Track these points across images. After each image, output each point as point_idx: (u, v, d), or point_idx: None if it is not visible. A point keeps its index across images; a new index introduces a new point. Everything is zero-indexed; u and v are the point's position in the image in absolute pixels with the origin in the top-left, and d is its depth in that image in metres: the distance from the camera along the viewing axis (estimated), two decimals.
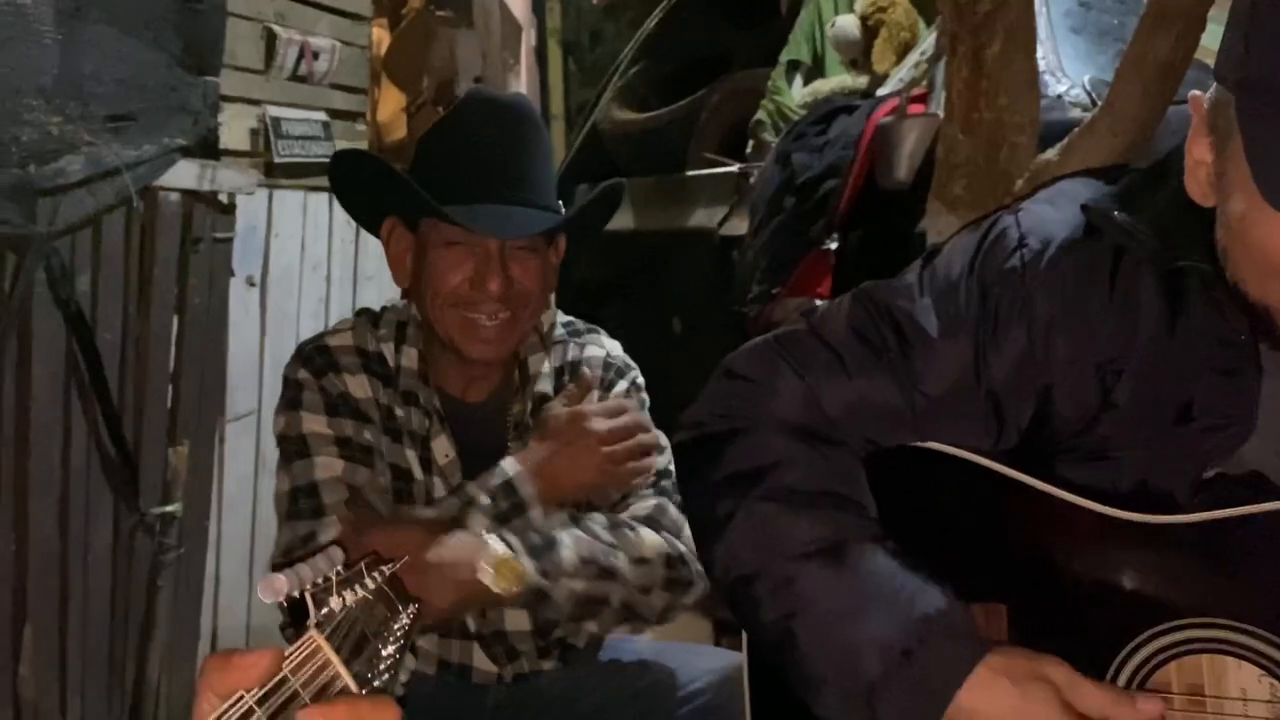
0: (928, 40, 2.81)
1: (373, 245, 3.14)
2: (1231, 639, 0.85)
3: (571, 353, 1.48)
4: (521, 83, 5.82)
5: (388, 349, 1.42)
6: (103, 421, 1.91)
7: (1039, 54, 2.27)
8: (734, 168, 3.92)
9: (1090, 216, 0.94)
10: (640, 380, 1.50)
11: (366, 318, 1.47)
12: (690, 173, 4.17)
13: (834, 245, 2.87)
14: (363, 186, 1.43)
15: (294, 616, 0.62)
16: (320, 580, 0.61)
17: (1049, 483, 0.92)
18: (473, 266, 1.35)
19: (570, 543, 1.31)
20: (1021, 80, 1.62)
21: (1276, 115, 0.78)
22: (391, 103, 4.93)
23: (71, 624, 1.92)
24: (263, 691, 0.54)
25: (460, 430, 1.42)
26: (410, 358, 1.42)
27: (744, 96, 4.34)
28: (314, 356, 1.41)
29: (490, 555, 1.25)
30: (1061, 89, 2.36)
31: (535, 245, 1.38)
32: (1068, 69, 2.42)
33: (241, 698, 0.53)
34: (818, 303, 3.03)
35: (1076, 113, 2.27)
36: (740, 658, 1.11)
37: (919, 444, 0.99)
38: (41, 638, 1.85)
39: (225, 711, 0.53)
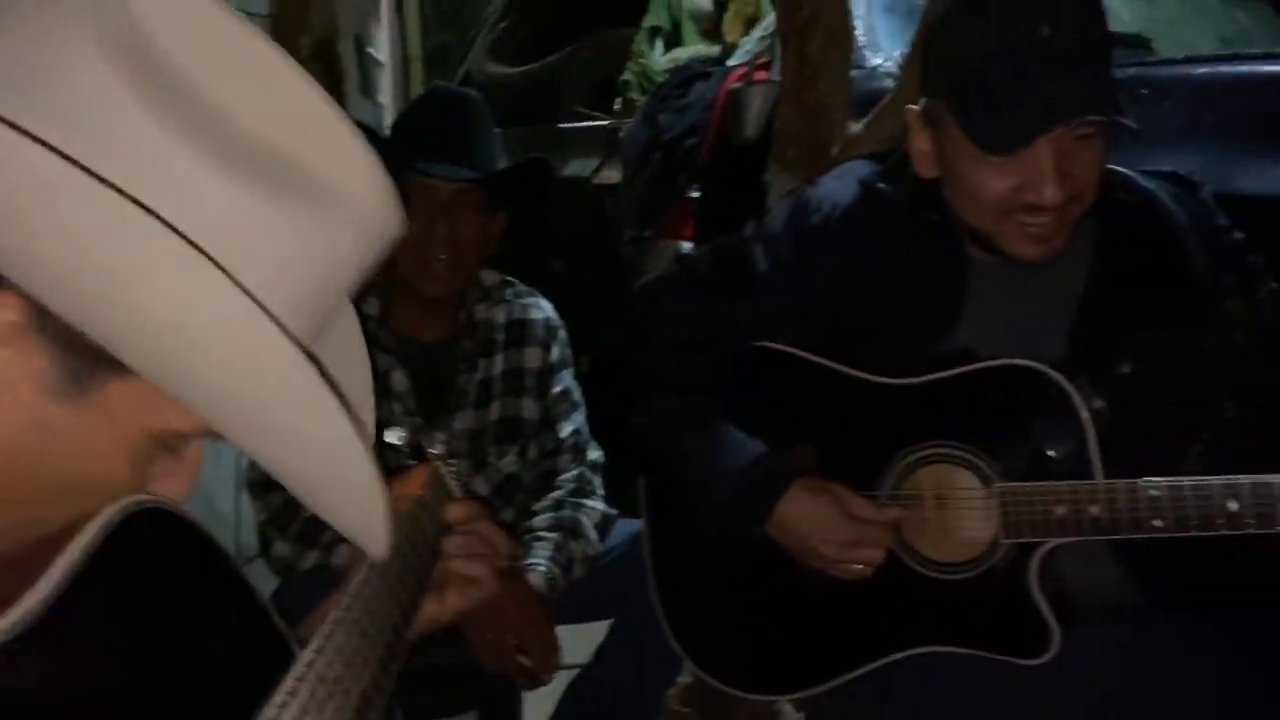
0: (770, 16, 3.23)
1: None
2: (953, 453, 1.34)
3: (517, 311, 1.87)
4: (383, 27, 5.98)
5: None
6: None
7: (858, 30, 2.73)
8: (605, 122, 4.25)
9: (863, 188, 1.40)
10: (564, 335, 1.91)
11: None
12: (561, 125, 4.42)
13: (696, 194, 3.22)
14: None
15: (416, 457, 1.05)
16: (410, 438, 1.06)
17: (839, 362, 1.38)
18: (426, 216, 1.73)
19: (579, 557, 1.75)
20: (837, 69, 2.07)
21: (974, 99, 1.23)
22: None
23: None
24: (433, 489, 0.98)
25: (415, 365, 1.79)
26: (372, 306, 1.79)
27: (609, 54, 4.62)
28: None
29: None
30: (877, 61, 2.80)
31: (477, 204, 1.76)
32: (882, 44, 2.86)
33: (420, 496, 0.96)
34: (686, 245, 3.48)
35: (889, 83, 2.72)
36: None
37: (759, 344, 1.45)
38: None
39: (416, 502, 0.96)
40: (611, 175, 3.99)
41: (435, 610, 0.97)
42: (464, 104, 1.84)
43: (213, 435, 0.68)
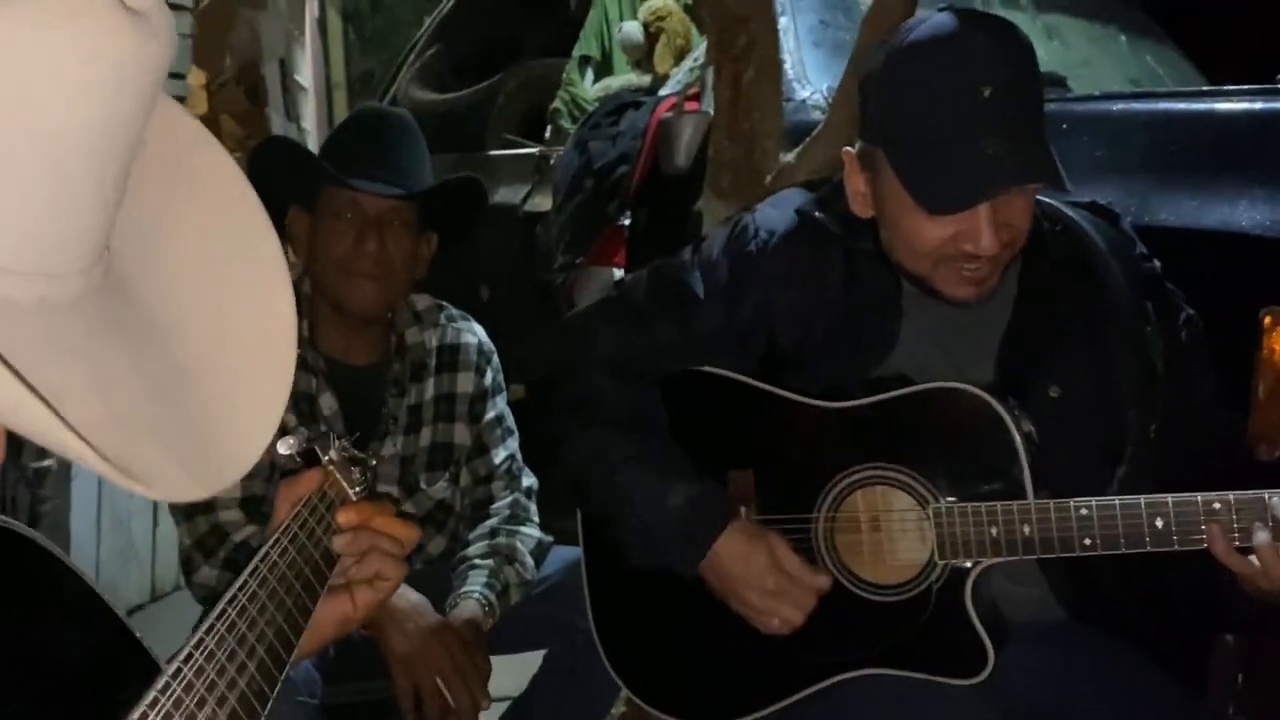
0: (700, 48, 3.27)
1: None
2: (889, 475, 1.35)
3: (450, 336, 1.85)
4: (306, 53, 5.93)
5: None
6: None
7: (787, 64, 2.79)
8: (534, 150, 4.25)
9: (800, 216, 1.42)
10: (496, 360, 1.90)
11: None
12: (491, 152, 4.40)
13: (627, 221, 3.25)
14: (276, 171, 1.73)
15: (306, 460, 1.03)
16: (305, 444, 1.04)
17: (776, 386, 1.40)
18: (355, 233, 1.71)
19: (515, 583, 1.74)
20: (769, 100, 2.11)
21: (911, 158, 1.27)
22: (193, 80, 5.02)
23: None
24: (321, 494, 0.96)
25: (344, 387, 1.76)
26: (301, 327, 1.76)
27: (538, 82, 4.62)
28: None
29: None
30: (805, 94, 2.86)
31: (407, 222, 1.74)
32: (810, 77, 2.93)
33: (309, 499, 0.95)
34: (617, 273, 3.49)
35: (816, 114, 2.77)
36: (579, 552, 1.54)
37: (695, 369, 1.46)
38: None
39: (303, 505, 0.94)
40: (541, 203, 3.98)
41: (346, 610, 0.98)
42: (395, 122, 1.83)
43: None
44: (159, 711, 0.64)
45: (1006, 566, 1.33)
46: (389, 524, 1.01)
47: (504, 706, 1.84)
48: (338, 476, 1.02)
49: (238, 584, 0.80)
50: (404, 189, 1.73)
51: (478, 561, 1.75)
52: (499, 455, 1.86)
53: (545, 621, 1.76)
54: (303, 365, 1.74)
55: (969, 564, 1.30)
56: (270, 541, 0.88)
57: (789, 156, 2.03)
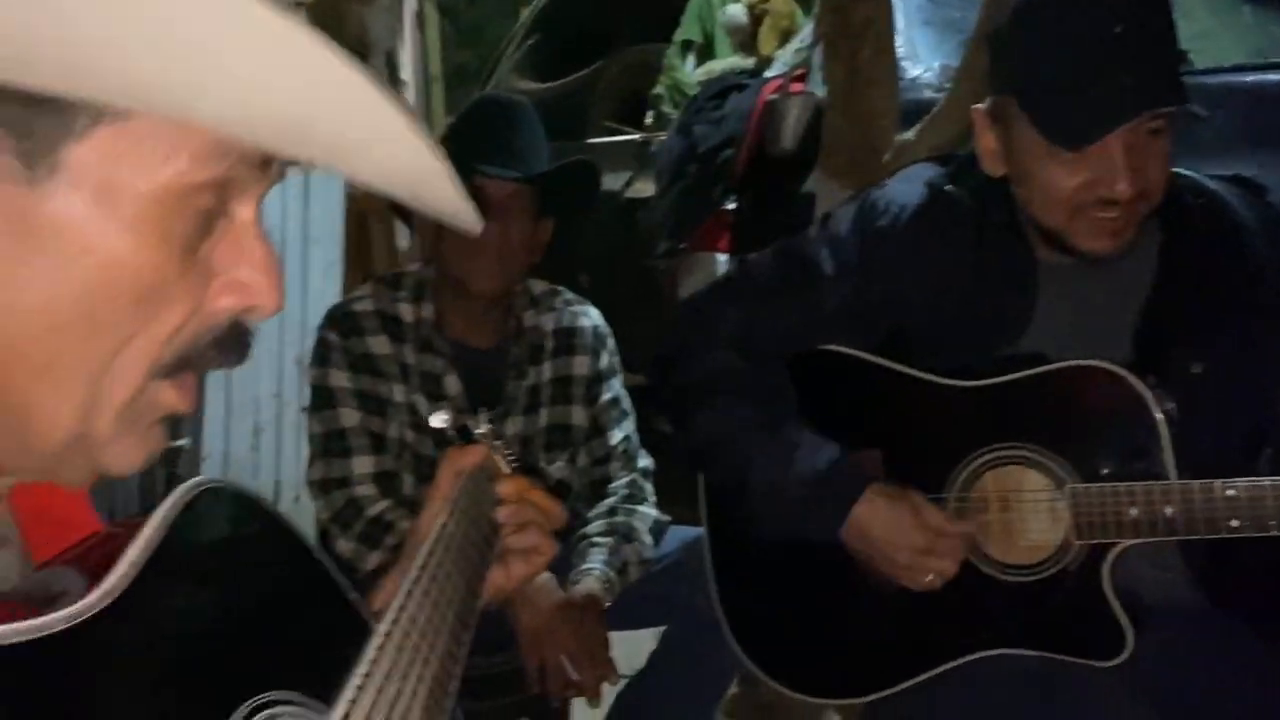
0: (806, 29, 3.25)
1: (317, 211, 3.44)
2: (1023, 454, 1.33)
3: (566, 319, 1.88)
4: (406, 47, 6.04)
5: (405, 308, 1.78)
6: None
7: (898, 42, 2.76)
8: (635, 136, 4.27)
9: (930, 190, 1.41)
10: (612, 343, 1.92)
11: (384, 283, 1.83)
12: (591, 140, 4.43)
13: (732, 205, 3.25)
14: None
15: (459, 435, 1.06)
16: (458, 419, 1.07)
17: (904, 365, 1.38)
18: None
19: (634, 561, 1.76)
20: (886, 77, 2.09)
21: (1042, 97, 1.25)
22: None
23: None
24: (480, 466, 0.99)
25: (467, 369, 1.80)
26: (429, 311, 1.80)
27: (639, 69, 4.66)
28: (341, 320, 1.78)
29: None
30: (917, 72, 2.83)
31: (526, 207, 1.76)
32: (921, 55, 2.89)
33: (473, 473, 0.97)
34: (720, 258, 3.48)
35: (928, 93, 2.74)
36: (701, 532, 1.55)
37: (821, 347, 1.46)
38: None
39: (469, 477, 0.97)
40: (642, 189, 4.01)
41: (501, 579, 1.00)
42: (515, 110, 1.85)
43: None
44: (381, 671, 0.66)
45: (1144, 548, 1.30)
46: (544, 499, 1.03)
47: (620, 684, 1.85)
48: (492, 451, 1.04)
49: (424, 552, 0.82)
50: (524, 173, 1.75)
51: (597, 539, 1.78)
52: (615, 436, 1.88)
53: (663, 599, 1.77)
54: (430, 348, 1.79)
55: (1107, 544, 1.27)
56: (446, 513, 0.90)
57: (908, 134, 2.01)
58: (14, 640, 0.51)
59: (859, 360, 1.42)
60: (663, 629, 1.83)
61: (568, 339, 1.88)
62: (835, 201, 2.08)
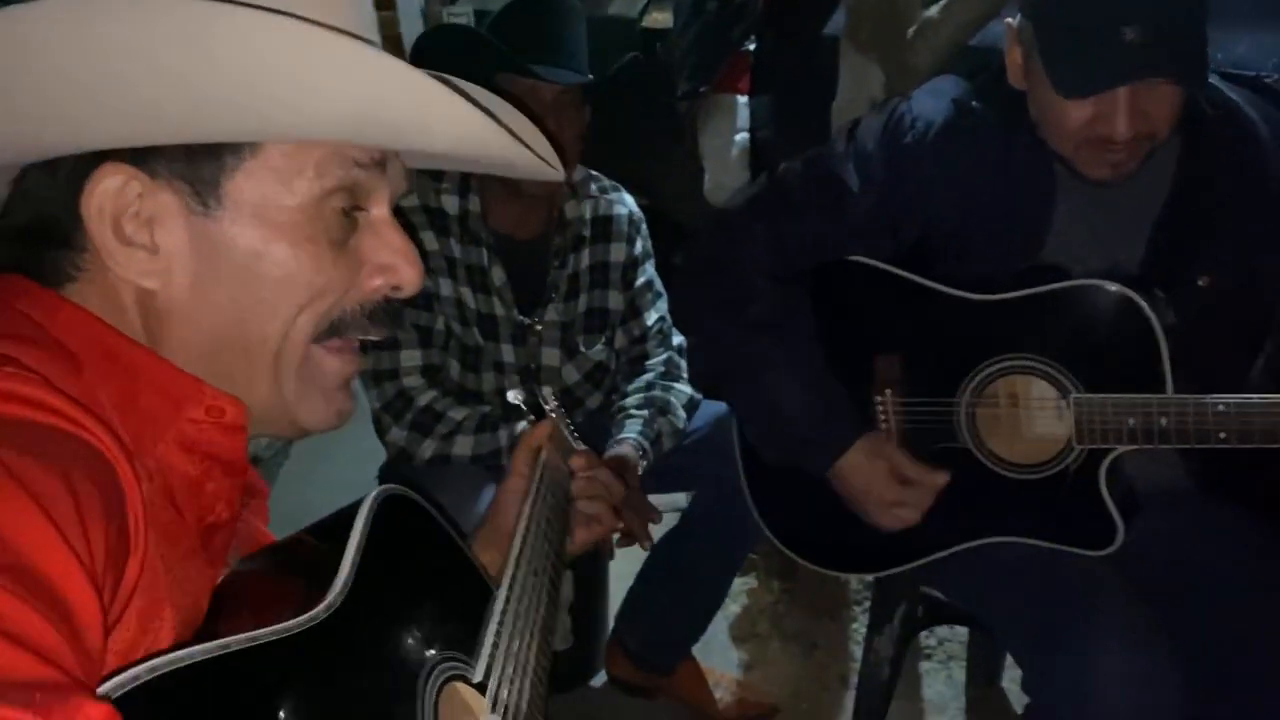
0: None
1: None
2: (1032, 365, 1.43)
3: (603, 208, 1.94)
4: None
5: (449, 200, 1.83)
6: None
7: None
8: None
9: (957, 106, 1.44)
10: (645, 228, 1.98)
11: (427, 175, 1.88)
12: None
13: (753, 46, 3.25)
14: (444, 58, 1.78)
15: (531, 409, 1.17)
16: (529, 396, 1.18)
17: (926, 277, 1.46)
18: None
19: (668, 432, 1.87)
20: None
21: (1054, 37, 1.28)
22: None
23: None
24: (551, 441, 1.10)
25: (511, 260, 1.87)
26: (475, 204, 1.85)
27: None
28: None
29: None
30: None
31: (577, 103, 1.80)
32: None
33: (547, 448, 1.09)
34: (741, 100, 3.44)
35: None
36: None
37: (848, 258, 1.53)
38: None
39: (545, 454, 1.08)
40: (660, 19, 3.91)
41: (569, 547, 1.12)
42: (560, 5, 1.84)
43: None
44: (506, 630, 0.80)
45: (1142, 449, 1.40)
46: (608, 474, 1.15)
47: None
48: (561, 426, 1.15)
49: (521, 528, 0.95)
50: (579, 74, 1.77)
51: (634, 411, 1.90)
52: (650, 317, 1.98)
53: (694, 470, 1.92)
54: (476, 240, 1.85)
55: (1105, 448, 1.39)
56: (532, 489, 1.02)
57: (932, 10, 2.00)
58: (270, 639, 0.62)
59: (883, 272, 1.50)
60: (692, 494, 1.99)
61: (604, 226, 1.95)
62: (859, 65, 2.10)
